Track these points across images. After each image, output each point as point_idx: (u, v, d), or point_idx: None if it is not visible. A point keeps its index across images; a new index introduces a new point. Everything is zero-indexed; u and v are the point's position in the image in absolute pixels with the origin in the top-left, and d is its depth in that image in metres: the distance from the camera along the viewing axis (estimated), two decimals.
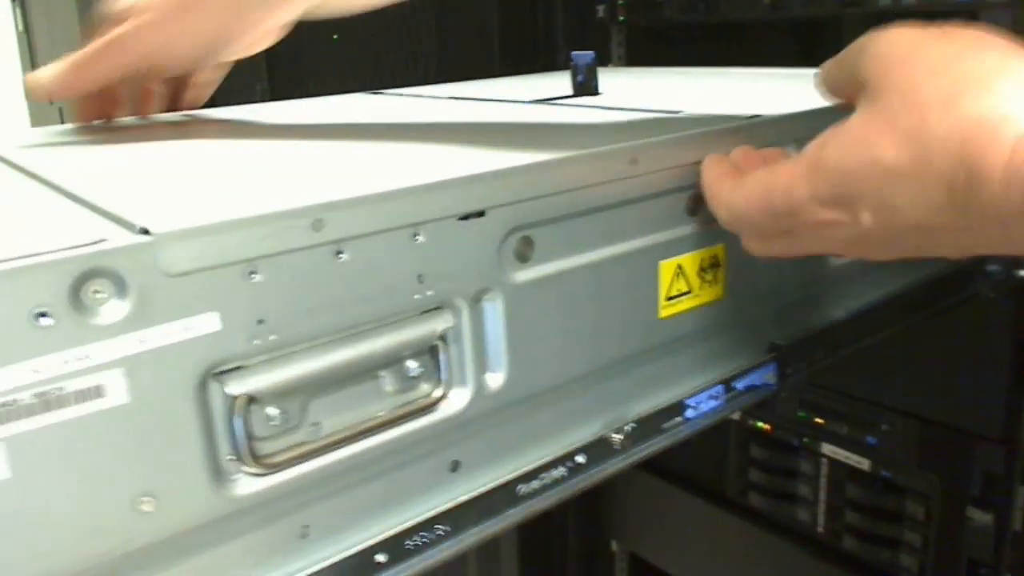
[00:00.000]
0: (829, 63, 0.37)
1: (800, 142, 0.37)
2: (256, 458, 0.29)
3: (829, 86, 0.37)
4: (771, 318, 0.46)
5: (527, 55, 1.03)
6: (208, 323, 0.26)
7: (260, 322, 0.28)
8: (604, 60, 0.99)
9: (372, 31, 0.97)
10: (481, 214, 0.32)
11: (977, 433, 0.75)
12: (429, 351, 0.33)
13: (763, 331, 0.46)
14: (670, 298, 0.40)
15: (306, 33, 0.52)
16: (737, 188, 0.36)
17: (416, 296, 0.31)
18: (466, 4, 1.02)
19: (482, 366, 0.34)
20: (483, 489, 0.35)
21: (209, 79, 0.57)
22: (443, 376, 0.33)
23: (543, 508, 0.37)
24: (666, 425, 0.41)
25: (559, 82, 0.68)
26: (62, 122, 0.64)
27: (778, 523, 0.92)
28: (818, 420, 0.86)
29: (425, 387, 0.33)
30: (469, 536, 0.34)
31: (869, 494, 0.83)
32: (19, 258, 0.23)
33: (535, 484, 0.36)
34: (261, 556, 0.30)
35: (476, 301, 0.33)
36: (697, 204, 0.40)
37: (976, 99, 0.29)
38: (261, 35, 0.51)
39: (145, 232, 0.25)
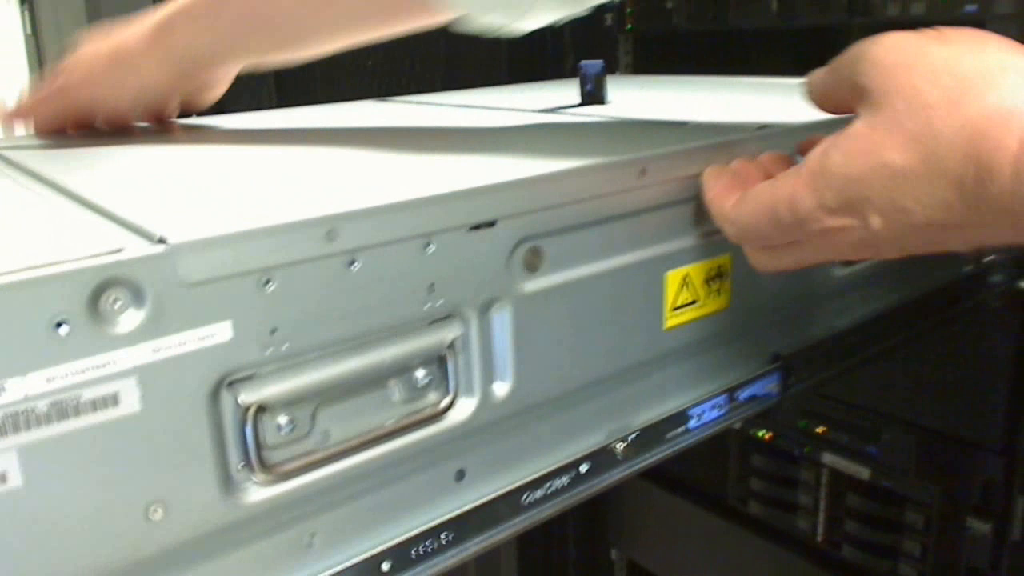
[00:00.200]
0: (819, 72, 0.37)
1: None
2: (265, 466, 0.29)
3: (819, 95, 0.37)
4: (774, 328, 0.47)
5: (535, 63, 1.03)
6: (222, 332, 0.27)
7: (273, 331, 0.28)
8: (611, 68, 0.99)
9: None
10: (492, 224, 0.32)
11: (977, 443, 0.75)
12: (437, 360, 0.33)
13: (766, 341, 0.46)
14: (676, 308, 0.40)
15: None
16: (740, 204, 0.36)
17: (426, 305, 0.32)
18: None
19: (489, 375, 0.34)
20: (488, 498, 0.35)
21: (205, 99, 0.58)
22: (451, 385, 0.34)
23: (546, 517, 0.37)
24: (669, 435, 0.41)
25: (567, 91, 0.68)
26: None
27: (778, 532, 0.92)
28: (819, 429, 0.86)
29: (433, 396, 0.33)
30: (473, 544, 0.35)
31: (869, 503, 0.83)
32: (39, 267, 0.23)
33: (539, 493, 0.37)
34: (268, 564, 0.30)
35: (485, 311, 0.34)
36: (705, 214, 0.40)
37: (980, 97, 0.29)
38: (199, 87, 0.54)
39: (163, 242, 0.25)
